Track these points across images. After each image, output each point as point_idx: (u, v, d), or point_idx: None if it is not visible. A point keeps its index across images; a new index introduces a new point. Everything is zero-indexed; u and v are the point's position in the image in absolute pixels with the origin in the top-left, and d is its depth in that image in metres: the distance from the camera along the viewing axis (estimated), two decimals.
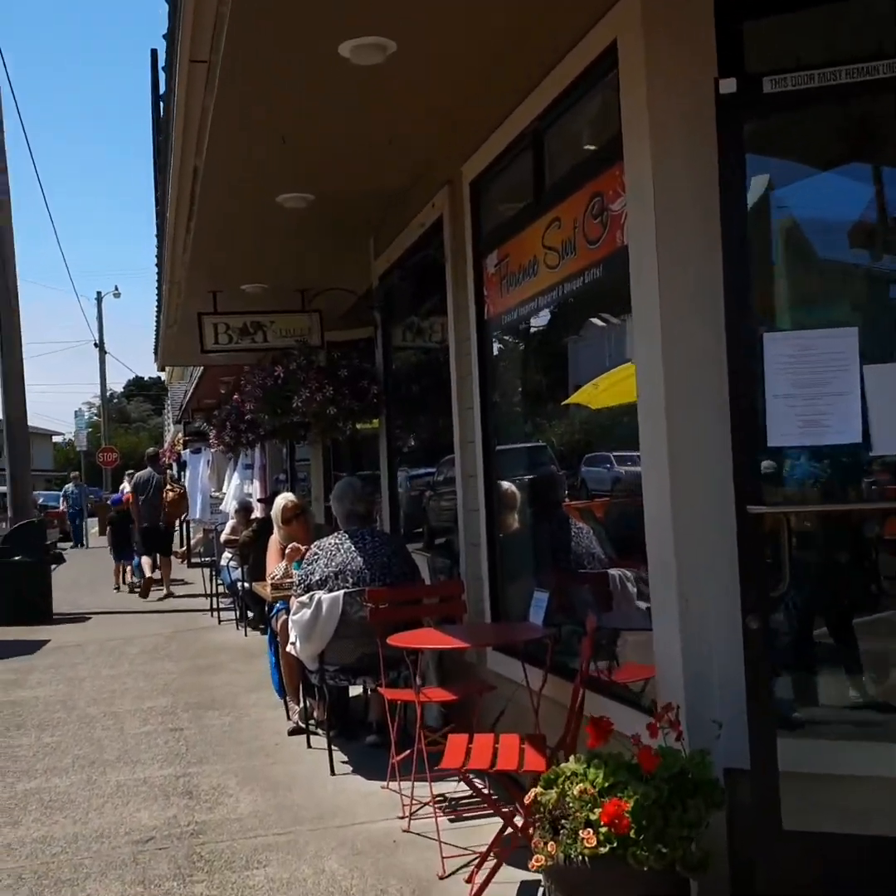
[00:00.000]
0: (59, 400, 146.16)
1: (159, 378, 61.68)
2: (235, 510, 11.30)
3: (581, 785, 2.90)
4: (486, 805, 4.13)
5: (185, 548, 20.20)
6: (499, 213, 4.98)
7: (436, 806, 4.27)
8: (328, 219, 6.70)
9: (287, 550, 6.28)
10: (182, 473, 22.32)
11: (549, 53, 3.87)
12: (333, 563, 5.28)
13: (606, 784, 2.88)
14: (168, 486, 15.35)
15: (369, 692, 5.64)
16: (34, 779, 5.40)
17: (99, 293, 42.14)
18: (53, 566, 12.45)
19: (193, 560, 18.95)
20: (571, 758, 3.15)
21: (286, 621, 5.76)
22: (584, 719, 3.48)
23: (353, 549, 5.33)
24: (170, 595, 13.82)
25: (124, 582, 15.46)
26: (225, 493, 19.40)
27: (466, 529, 5.37)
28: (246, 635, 9.95)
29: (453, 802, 4.52)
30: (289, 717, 6.08)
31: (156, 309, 10.21)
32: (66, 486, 27.45)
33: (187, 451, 19.64)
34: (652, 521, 3.33)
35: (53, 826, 4.61)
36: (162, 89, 5.13)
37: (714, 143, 2.95)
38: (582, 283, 3.94)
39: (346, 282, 8.10)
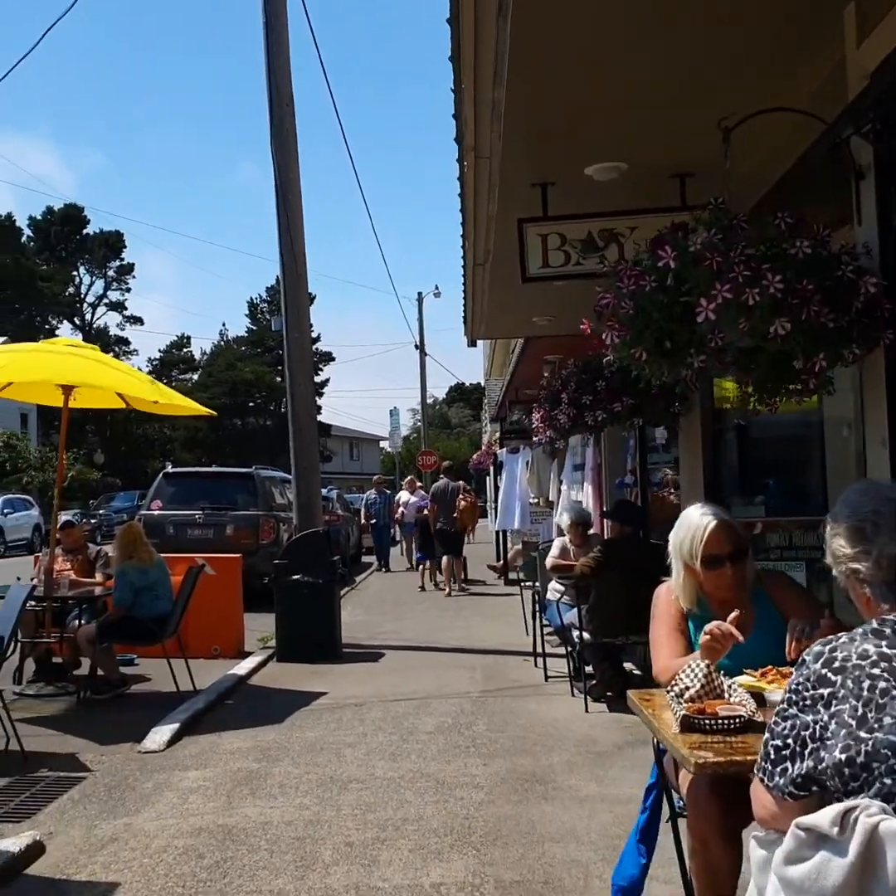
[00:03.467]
0: (387, 405, 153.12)
1: (479, 384, 60.84)
2: (568, 524, 8.16)
3: None
4: None
5: (502, 562, 17.45)
6: None
7: None
8: None
9: (714, 632, 2.87)
10: (498, 476, 19.78)
11: None
12: (877, 720, 1.86)
13: None
14: (460, 495, 15.87)
15: None
16: None
17: (419, 294, 41.21)
18: (344, 590, 9.91)
19: (511, 577, 16.12)
20: None
21: (699, 789, 2.50)
22: None
23: None
24: (463, 589, 15.45)
25: (431, 580, 16.14)
26: (537, 499, 16.48)
27: None
28: (587, 710, 6.75)
29: None
30: None
31: (460, 241, 7.31)
32: (367, 492, 21.67)
33: (503, 450, 16.88)
34: None
35: None
36: None
37: None
38: None
39: (776, 122, 4.51)
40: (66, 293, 61.61)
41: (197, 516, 13.99)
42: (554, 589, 8.10)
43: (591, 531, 8.25)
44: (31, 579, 8.95)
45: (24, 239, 59.33)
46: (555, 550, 8.10)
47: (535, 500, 16.36)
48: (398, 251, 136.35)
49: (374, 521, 20.17)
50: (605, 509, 10.41)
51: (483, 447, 30.95)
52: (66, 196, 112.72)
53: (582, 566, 6.64)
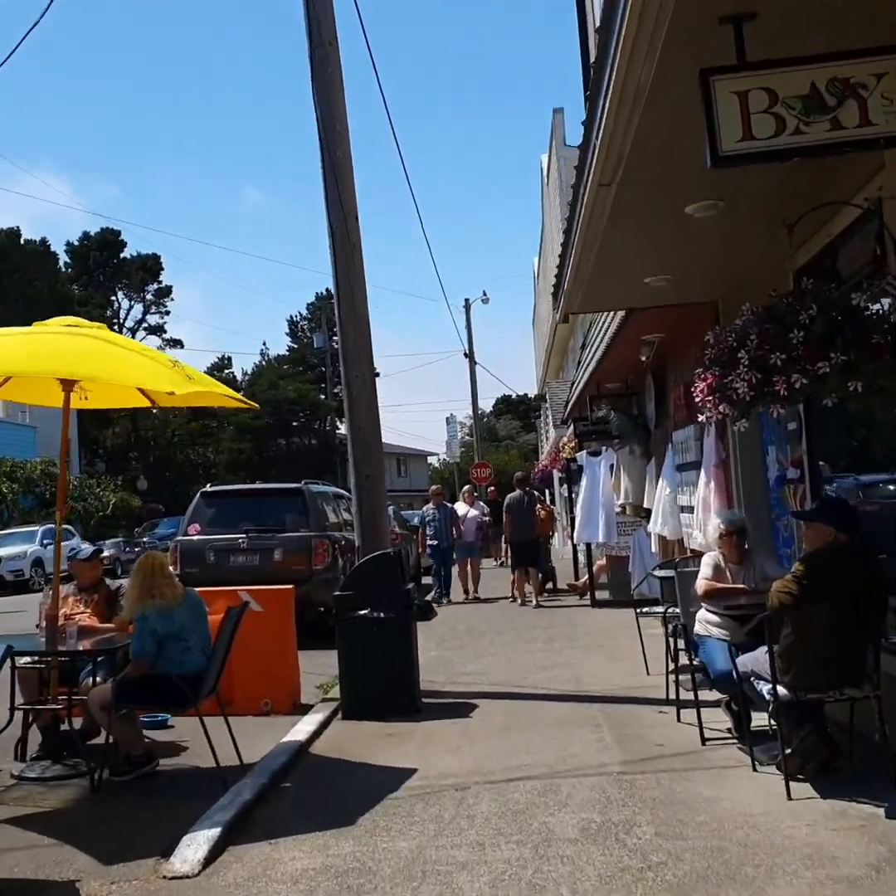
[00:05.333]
0: (434, 419, 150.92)
1: (526, 395, 58.75)
2: (722, 534, 6.19)
3: None
4: None
5: (584, 580, 15.45)
6: None
7: None
8: None
9: None
10: (575, 486, 17.79)
11: None
12: None
13: None
14: (539, 505, 15.91)
15: None
16: None
17: (467, 300, 39.38)
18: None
19: (598, 596, 14.15)
20: None
21: None
22: None
23: None
24: (539, 606, 14.68)
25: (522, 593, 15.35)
26: (623, 507, 14.46)
27: None
28: (789, 795, 4.77)
29: None
30: None
31: (582, 142, 5.39)
32: (425, 507, 17.59)
33: (583, 453, 14.91)
34: None
35: None
36: None
37: None
38: None
39: None
40: (104, 317, 60.71)
41: (240, 541, 12.18)
42: (705, 621, 6.14)
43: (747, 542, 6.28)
44: (36, 624, 7.20)
45: (60, 264, 58.50)
46: (706, 570, 6.12)
47: (620, 509, 14.37)
48: (439, 259, 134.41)
49: (434, 542, 16.56)
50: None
51: (545, 455, 28.97)
52: (97, 221, 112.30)
53: (779, 594, 4.67)
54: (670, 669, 7.53)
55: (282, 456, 55.95)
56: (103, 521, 41.89)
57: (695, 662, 6.16)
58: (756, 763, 5.31)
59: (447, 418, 26.27)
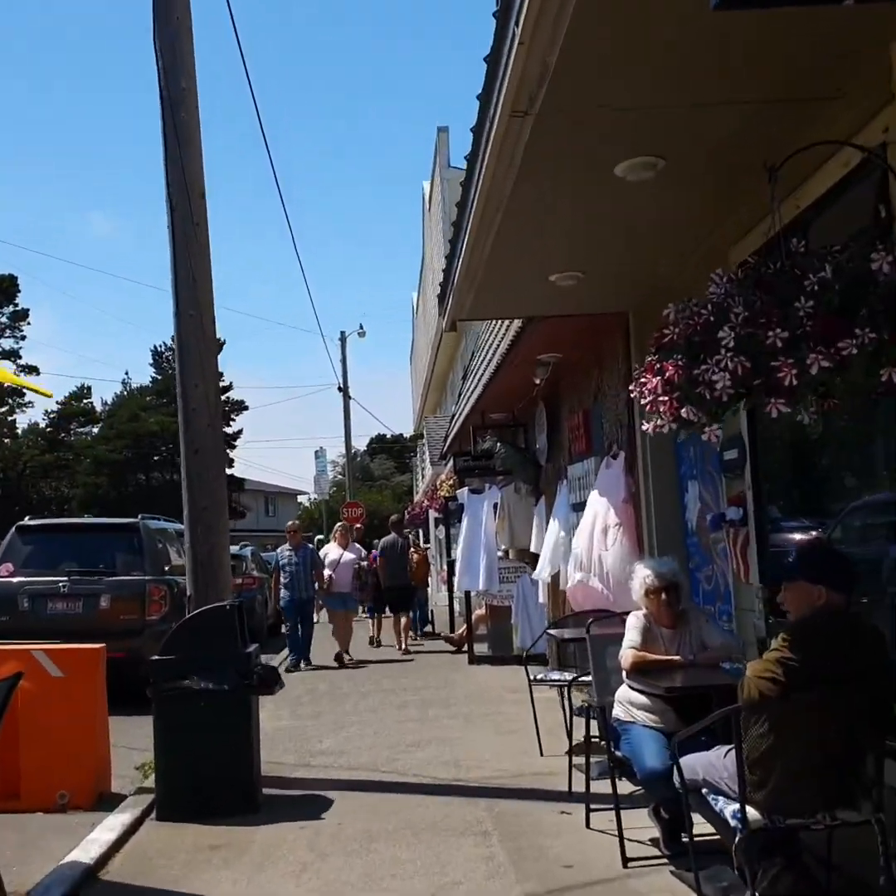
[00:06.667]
0: (304, 458, 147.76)
1: (402, 435, 57.41)
2: (649, 588, 4.82)
3: None
4: None
5: (462, 631, 14.03)
6: None
7: None
8: None
9: None
10: (453, 528, 16.46)
11: None
12: None
13: None
14: (412, 549, 15.72)
15: None
16: None
17: (342, 333, 37.44)
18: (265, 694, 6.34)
19: (476, 651, 12.74)
20: None
21: None
22: None
23: None
24: (406, 651, 14.31)
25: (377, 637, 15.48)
26: (505, 551, 13.15)
27: None
28: None
29: None
30: None
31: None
32: (280, 548, 13.78)
33: (464, 490, 13.52)
34: None
35: None
36: None
37: None
38: None
39: None
40: None
41: (61, 585, 10.27)
42: (627, 703, 4.74)
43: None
44: None
45: None
46: (633, 635, 4.72)
47: (502, 553, 13.03)
48: (312, 287, 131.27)
49: (288, 593, 12.99)
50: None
51: (419, 495, 27.50)
52: None
53: (759, 681, 3.29)
54: (569, 749, 6.17)
55: (141, 492, 52.88)
56: None
57: (616, 753, 4.75)
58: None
59: (316, 451, 24.58)
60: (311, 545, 14.22)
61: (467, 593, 13.12)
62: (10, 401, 60.15)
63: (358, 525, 20.49)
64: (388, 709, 9.44)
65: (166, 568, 10.78)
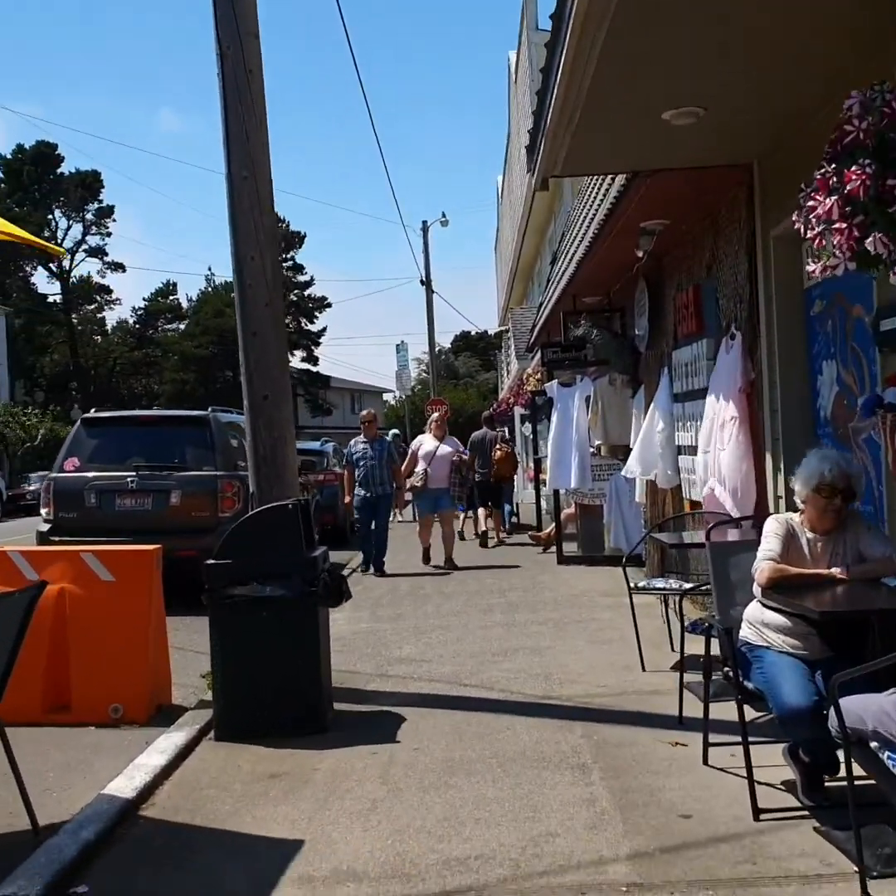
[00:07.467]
0: (386, 356, 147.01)
1: (486, 331, 56.04)
2: (813, 488, 3.91)
3: None
4: None
5: (550, 530, 13.30)
6: None
7: None
8: None
9: None
10: (540, 423, 15.61)
11: None
12: None
13: None
14: (497, 445, 15.09)
15: None
16: None
17: (424, 222, 36.12)
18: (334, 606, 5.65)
19: (565, 551, 12.01)
20: None
21: None
22: None
23: None
24: (500, 543, 14.60)
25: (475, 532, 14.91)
26: (597, 448, 12.20)
27: None
28: None
29: None
30: None
31: None
32: (353, 441, 12.09)
33: (553, 383, 12.58)
34: None
35: None
36: None
37: None
38: None
39: None
40: (42, 238, 56.95)
41: (129, 480, 9.78)
42: (761, 624, 3.90)
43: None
44: None
45: None
46: (772, 542, 3.83)
47: (595, 449, 12.11)
48: (394, 177, 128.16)
49: (363, 491, 11.48)
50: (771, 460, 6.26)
51: (505, 390, 26.53)
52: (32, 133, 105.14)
53: None
54: (679, 666, 5.40)
55: (228, 388, 53.04)
56: (31, 452, 39.14)
57: (745, 685, 3.94)
58: (867, 872, 3.12)
59: (397, 345, 23.50)
60: (387, 438, 13.43)
61: (556, 491, 12.30)
62: (97, 298, 60.64)
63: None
64: (473, 612, 8.79)
65: (239, 463, 10.18)
